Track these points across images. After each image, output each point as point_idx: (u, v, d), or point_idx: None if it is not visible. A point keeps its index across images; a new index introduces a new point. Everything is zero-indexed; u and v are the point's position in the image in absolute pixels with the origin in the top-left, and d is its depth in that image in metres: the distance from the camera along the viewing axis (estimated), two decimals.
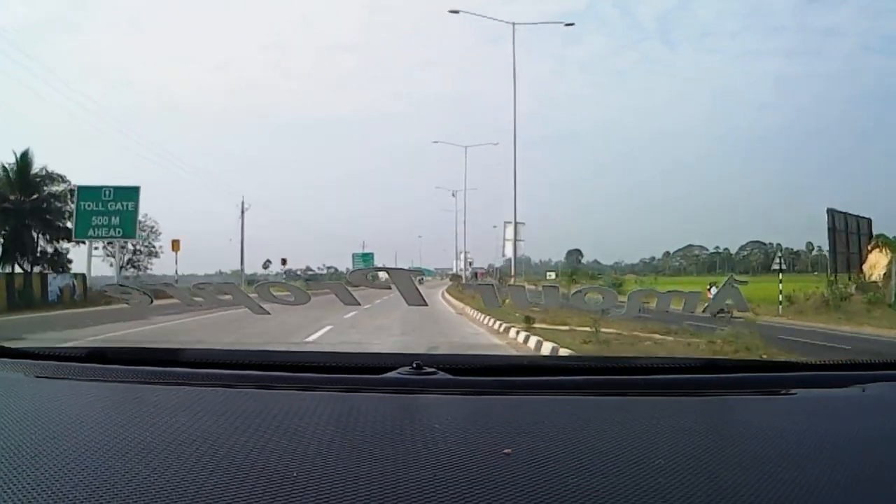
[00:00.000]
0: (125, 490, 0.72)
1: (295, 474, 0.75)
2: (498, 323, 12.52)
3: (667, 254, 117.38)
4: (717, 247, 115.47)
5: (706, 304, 1.60)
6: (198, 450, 0.83)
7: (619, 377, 1.33)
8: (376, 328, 11.35)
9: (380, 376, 1.22)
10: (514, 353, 8.49)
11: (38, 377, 1.24)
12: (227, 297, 1.52)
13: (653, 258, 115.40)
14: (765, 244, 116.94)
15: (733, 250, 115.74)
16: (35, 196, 26.53)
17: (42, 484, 0.73)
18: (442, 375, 1.22)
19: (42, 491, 0.71)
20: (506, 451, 0.84)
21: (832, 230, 23.23)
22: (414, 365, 1.23)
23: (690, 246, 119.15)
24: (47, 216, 26.98)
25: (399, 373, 1.22)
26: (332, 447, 0.85)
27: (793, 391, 1.21)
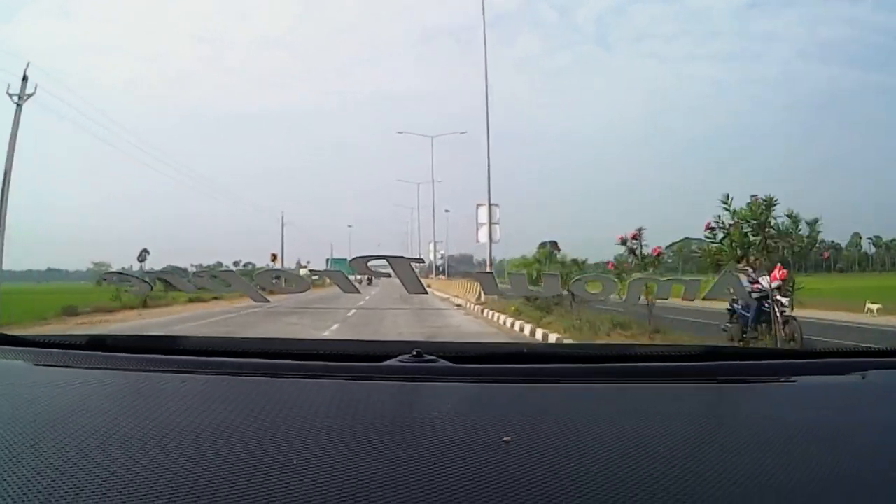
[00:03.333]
0: (125, 477, 0.72)
1: (295, 462, 0.75)
2: None
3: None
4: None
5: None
6: (198, 437, 0.83)
7: (619, 365, 1.33)
8: None
9: (380, 364, 1.22)
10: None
11: (37, 365, 1.24)
12: (228, 285, 1.52)
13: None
14: None
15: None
16: None
17: (42, 471, 0.73)
18: (442, 363, 1.22)
19: (42, 478, 0.71)
20: (505, 438, 0.84)
21: None
22: (414, 353, 1.23)
23: (688, 240, 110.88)
24: None
25: (399, 361, 1.22)
26: (332, 435, 0.85)
27: (793, 378, 1.21)
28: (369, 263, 1.53)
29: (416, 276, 1.40)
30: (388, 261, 1.39)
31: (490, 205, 23.09)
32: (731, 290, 1.54)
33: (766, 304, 7.17)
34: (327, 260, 68.35)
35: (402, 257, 1.42)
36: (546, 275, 1.57)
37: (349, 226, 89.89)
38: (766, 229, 6.81)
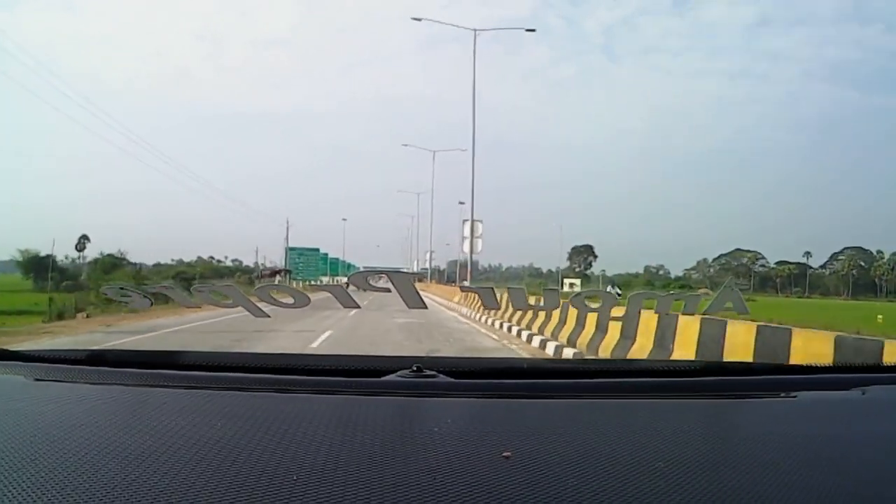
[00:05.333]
0: (125, 493, 0.72)
1: (295, 478, 0.75)
2: None
3: (703, 262, 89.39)
4: (808, 254, 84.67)
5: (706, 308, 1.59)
6: (197, 453, 0.83)
7: (620, 380, 1.33)
8: None
9: (380, 379, 1.22)
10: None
11: (37, 380, 1.23)
12: (227, 300, 1.51)
13: (660, 266, 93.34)
14: (867, 252, 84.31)
15: (820, 259, 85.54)
16: None
17: (43, 488, 0.73)
18: (442, 379, 1.22)
19: (43, 494, 0.71)
20: (505, 454, 0.84)
21: None
22: (414, 368, 1.23)
23: (738, 251, 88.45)
24: None
25: (399, 376, 1.22)
26: (331, 451, 0.85)
27: (793, 394, 1.21)
28: (369, 279, 1.53)
29: (416, 291, 1.40)
30: (388, 276, 1.39)
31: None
32: (732, 306, 1.54)
33: None
34: (286, 250, 54.74)
35: (402, 272, 1.43)
36: (547, 290, 1.57)
37: (343, 219, 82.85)
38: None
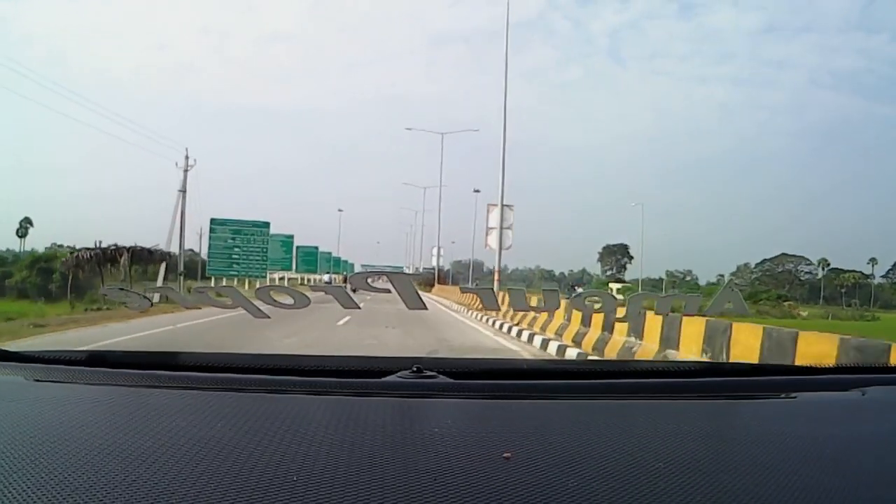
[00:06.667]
0: (125, 493, 0.72)
1: (295, 479, 0.75)
2: None
3: (744, 266, 78.31)
4: (873, 260, 74.04)
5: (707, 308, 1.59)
6: (197, 454, 0.83)
7: (620, 381, 1.33)
8: None
9: (380, 380, 1.22)
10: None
11: (37, 381, 1.23)
12: (227, 300, 1.51)
13: (689, 272, 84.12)
14: None
15: (884, 266, 75.21)
16: None
17: (42, 488, 0.73)
18: (442, 379, 1.22)
19: (43, 494, 0.71)
20: (506, 454, 0.84)
21: None
22: (414, 368, 1.23)
23: (784, 255, 77.40)
24: None
25: (399, 376, 1.22)
26: (331, 451, 0.85)
27: (793, 395, 1.21)
28: (368, 279, 1.53)
29: (416, 291, 1.40)
30: (388, 277, 1.39)
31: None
32: (732, 305, 1.54)
33: None
34: (211, 220, 30.59)
35: (402, 273, 1.43)
36: (546, 290, 1.58)
37: (339, 210, 77.94)
38: None
